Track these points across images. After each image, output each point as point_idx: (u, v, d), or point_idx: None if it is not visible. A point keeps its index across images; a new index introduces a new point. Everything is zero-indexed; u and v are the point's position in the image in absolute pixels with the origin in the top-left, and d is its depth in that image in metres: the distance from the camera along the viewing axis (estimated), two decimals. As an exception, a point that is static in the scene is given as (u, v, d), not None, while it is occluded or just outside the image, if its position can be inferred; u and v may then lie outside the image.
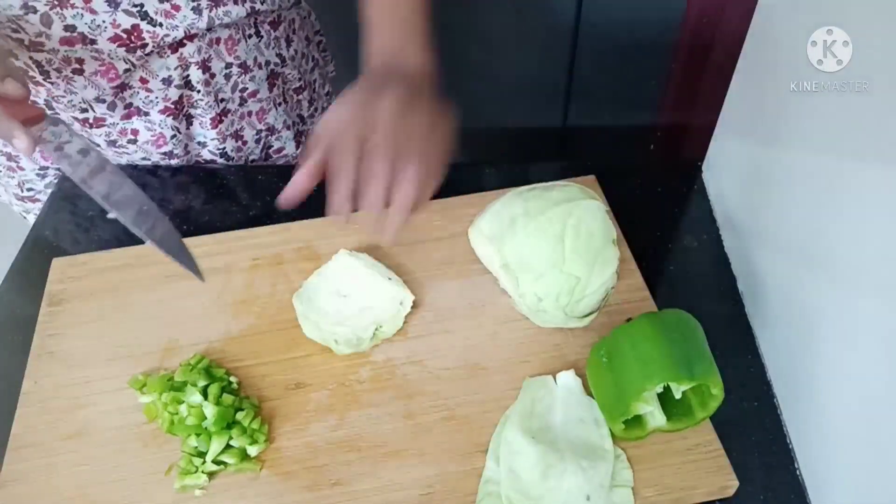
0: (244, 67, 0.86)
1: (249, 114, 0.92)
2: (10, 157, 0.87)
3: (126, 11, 0.71)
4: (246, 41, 0.84)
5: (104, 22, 0.71)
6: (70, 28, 0.70)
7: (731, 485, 0.57)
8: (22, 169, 0.89)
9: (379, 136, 0.55)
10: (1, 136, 0.56)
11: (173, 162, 0.88)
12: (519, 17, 1.39)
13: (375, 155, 0.55)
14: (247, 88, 0.88)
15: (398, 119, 0.56)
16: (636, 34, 1.37)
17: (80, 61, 0.73)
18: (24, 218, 0.96)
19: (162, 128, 0.84)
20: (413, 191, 0.55)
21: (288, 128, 0.97)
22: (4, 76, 0.57)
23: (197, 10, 0.75)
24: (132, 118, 0.83)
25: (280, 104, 0.94)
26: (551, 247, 0.61)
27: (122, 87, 0.79)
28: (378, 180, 0.54)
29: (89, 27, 0.71)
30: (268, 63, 0.89)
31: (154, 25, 0.73)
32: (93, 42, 0.72)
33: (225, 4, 0.78)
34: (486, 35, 1.44)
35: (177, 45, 0.78)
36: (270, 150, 0.98)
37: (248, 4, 0.80)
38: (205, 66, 0.82)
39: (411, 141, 0.56)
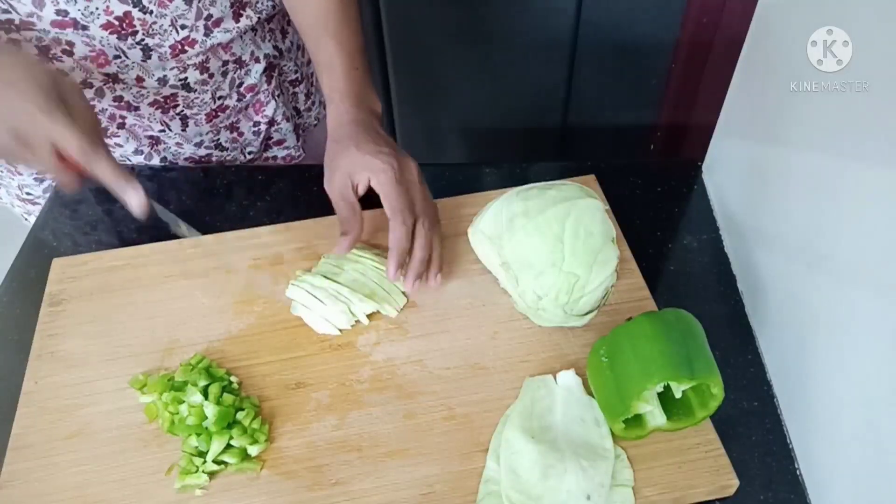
0: (240, 63, 0.87)
1: (247, 107, 0.92)
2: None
3: None
4: (241, 38, 0.85)
5: (97, 9, 0.71)
6: (62, 12, 0.70)
7: (731, 484, 0.57)
8: (20, 174, 0.89)
9: (421, 208, 0.67)
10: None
11: (156, 160, 0.90)
12: (519, 16, 1.39)
13: (422, 229, 0.66)
14: (243, 83, 0.89)
15: (424, 187, 0.69)
16: (636, 34, 1.37)
17: (71, 44, 0.73)
18: (25, 220, 0.96)
19: (151, 121, 0.85)
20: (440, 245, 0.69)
21: (287, 119, 0.98)
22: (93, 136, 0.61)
23: (188, 2, 0.76)
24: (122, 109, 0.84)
25: (279, 95, 0.95)
26: (550, 246, 0.61)
27: (116, 79, 0.79)
28: (424, 249, 0.66)
29: (82, 13, 0.71)
30: (266, 56, 0.90)
31: (145, 13, 0.74)
32: (84, 28, 0.72)
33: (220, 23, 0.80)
34: (487, 35, 1.44)
35: (178, 52, 0.78)
36: (270, 142, 0.99)
37: (242, 21, 0.82)
38: (203, 68, 0.82)
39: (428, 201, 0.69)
